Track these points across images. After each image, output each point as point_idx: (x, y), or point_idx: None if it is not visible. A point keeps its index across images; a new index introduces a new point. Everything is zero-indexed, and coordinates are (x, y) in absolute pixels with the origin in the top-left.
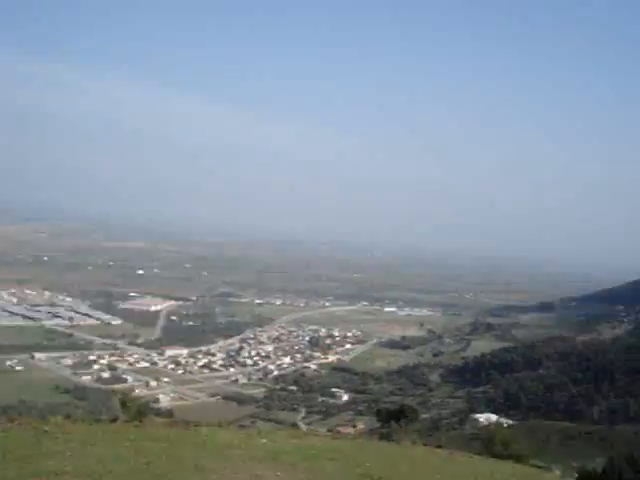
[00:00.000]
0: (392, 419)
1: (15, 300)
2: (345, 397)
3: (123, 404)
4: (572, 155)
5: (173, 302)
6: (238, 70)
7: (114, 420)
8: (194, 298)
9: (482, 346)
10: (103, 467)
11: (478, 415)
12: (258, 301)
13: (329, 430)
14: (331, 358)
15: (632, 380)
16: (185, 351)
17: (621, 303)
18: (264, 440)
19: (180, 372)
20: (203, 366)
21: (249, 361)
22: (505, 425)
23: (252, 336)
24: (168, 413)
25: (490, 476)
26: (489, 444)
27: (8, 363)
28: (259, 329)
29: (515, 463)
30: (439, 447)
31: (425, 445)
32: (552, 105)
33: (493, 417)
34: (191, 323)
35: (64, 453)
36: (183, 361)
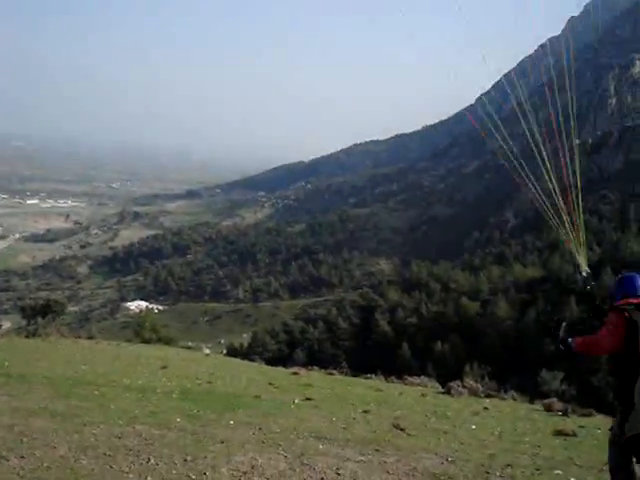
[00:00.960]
0: (38, 315)
1: None
2: None
3: None
4: None
5: None
6: None
7: None
8: None
9: (130, 235)
10: None
11: (129, 303)
12: None
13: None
14: None
15: (273, 260)
16: None
17: (262, 189)
18: None
19: None
20: None
21: None
22: (156, 311)
23: None
24: None
25: (136, 359)
26: (139, 331)
27: None
28: None
29: (164, 345)
30: (90, 338)
31: (76, 338)
32: None
33: (144, 304)
34: None
35: None
36: None
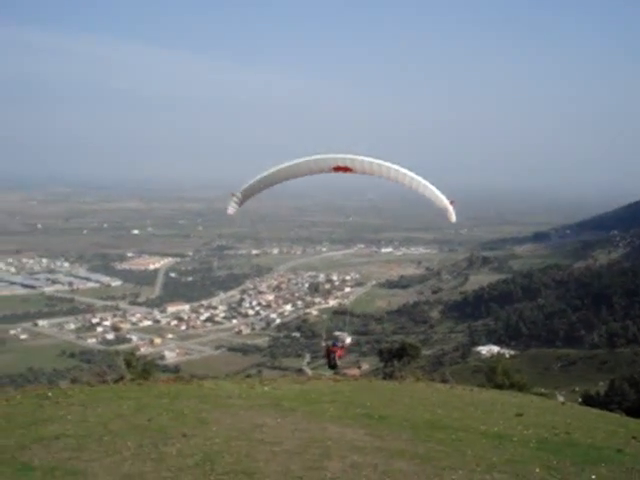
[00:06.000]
0: (394, 358)
1: (13, 269)
2: (348, 340)
3: (128, 364)
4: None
5: (171, 259)
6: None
7: (119, 380)
8: (191, 254)
9: (480, 280)
10: (104, 427)
11: (480, 348)
12: (255, 252)
13: (335, 373)
14: (332, 302)
15: (630, 303)
16: (187, 306)
17: (615, 228)
18: (266, 388)
19: (184, 327)
20: (206, 320)
21: (251, 311)
22: (507, 356)
23: (252, 287)
24: (175, 369)
25: (491, 405)
26: (491, 375)
27: (12, 332)
28: (258, 279)
29: (517, 392)
30: (444, 382)
31: (430, 381)
32: None
33: (495, 349)
34: (190, 279)
35: (65, 417)
36: (186, 316)
